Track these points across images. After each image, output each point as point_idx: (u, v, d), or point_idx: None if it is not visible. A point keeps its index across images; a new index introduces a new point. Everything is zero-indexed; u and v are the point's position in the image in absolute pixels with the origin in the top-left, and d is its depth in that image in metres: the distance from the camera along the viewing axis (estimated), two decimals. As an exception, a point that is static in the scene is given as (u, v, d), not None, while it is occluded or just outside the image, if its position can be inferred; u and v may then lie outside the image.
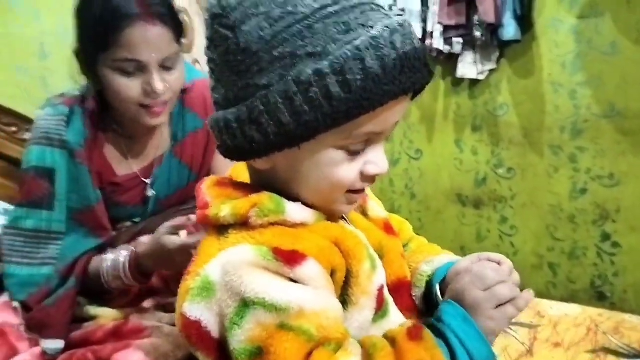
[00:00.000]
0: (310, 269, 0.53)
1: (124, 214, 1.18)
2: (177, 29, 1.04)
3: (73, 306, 1.04)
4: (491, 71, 2.12)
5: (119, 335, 0.98)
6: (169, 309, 1.06)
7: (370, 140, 0.57)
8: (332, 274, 0.56)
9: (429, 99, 2.32)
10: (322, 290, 0.54)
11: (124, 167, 1.16)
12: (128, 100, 1.03)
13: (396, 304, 0.64)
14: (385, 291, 0.61)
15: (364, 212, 0.70)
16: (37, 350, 0.97)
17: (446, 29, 2.05)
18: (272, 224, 0.56)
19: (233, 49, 0.54)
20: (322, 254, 0.55)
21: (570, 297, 2.05)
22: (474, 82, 2.19)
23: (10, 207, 1.50)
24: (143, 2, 0.98)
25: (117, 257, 1.06)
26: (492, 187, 2.25)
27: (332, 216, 0.62)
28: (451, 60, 2.15)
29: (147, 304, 1.10)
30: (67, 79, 1.89)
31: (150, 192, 1.18)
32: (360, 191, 0.60)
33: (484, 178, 2.26)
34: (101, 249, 1.11)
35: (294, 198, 0.59)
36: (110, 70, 1.01)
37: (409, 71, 0.53)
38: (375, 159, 0.58)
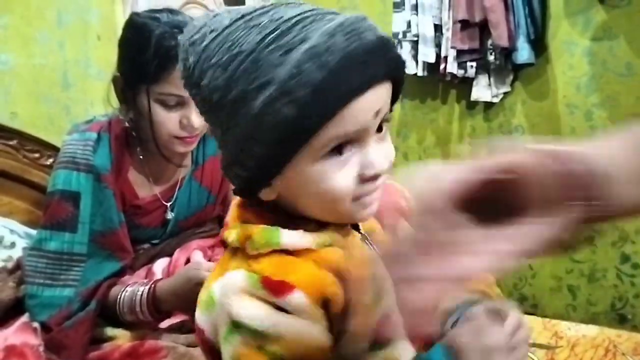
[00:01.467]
0: (296, 300, 0.55)
1: (143, 236, 1.22)
2: None
3: (92, 329, 1.06)
4: (505, 94, 2.13)
5: (136, 355, 0.99)
6: (184, 330, 1.07)
7: (354, 142, 0.56)
8: (326, 303, 0.56)
9: (443, 122, 2.33)
10: (305, 320, 0.55)
11: (146, 190, 1.20)
12: (164, 131, 1.09)
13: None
14: (393, 320, 0.57)
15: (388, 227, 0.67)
16: None
17: (460, 53, 2.07)
18: (274, 250, 0.57)
19: (201, 104, 0.59)
20: (313, 285, 0.56)
21: (591, 320, 2.00)
22: (488, 105, 2.20)
23: (32, 231, 1.54)
24: None
25: (135, 292, 1.08)
26: (509, 210, 2.24)
27: (347, 233, 0.62)
28: (465, 83, 2.17)
29: (163, 324, 1.11)
30: (89, 107, 1.96)
31: (170, 215, 1.22)
32: (369, 194, 0.58)
33: (501, 201, 2.25)
34: (122, 272, 1.14)
35: (309, 217, 0.60)
36: (152, 101, 1.07)
37: (358, 67, 0.53)
38: (370, 159, 0.56)
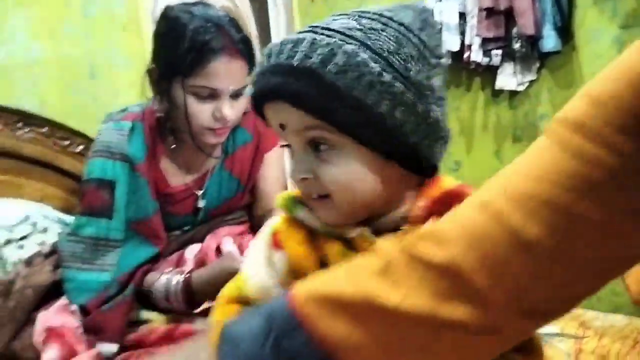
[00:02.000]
0: (279, 258, 0.65)
1: (174, 223, 1.25)
2: (252, 62, 1.13)
3: (129, 312, 1.09)
4: (531, 82, 2.10)
5: (171, 338, 1.01)
6: None
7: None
8: (302, 275, 0.63)
9: (467, 110, 2.32)
10: (275, 274, 0.66)
11: (177, 179, 1.24)
12: (197, 123, 1.12)
13: None
14: None
15: None
16: (93, 351, 1.02)
17: (485, 41, 2.05)
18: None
19: None
20: (296, 260, 0.64)
21: (615, 310, 1.99)
22: (513, 93, 2.18)
23: (65, 217, 1.58)
24: (229, 39, 1.08)
25: (170, 281, 1.11)
26: (533, 199, 2.22)
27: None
28: (490, 71, 2.15)
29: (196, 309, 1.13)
30: (115, 97, 1.99)
31: (201, 203, 1.25)
32: (312, 196, 0.63)
33: (524, 190, 2.23)
34: (156, 259, 1.17)
35: None
36: (185, 93, 1.10)
37: (259, 79, 0.62)
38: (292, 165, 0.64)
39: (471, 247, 0.48)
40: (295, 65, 0.58)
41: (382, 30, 0.59)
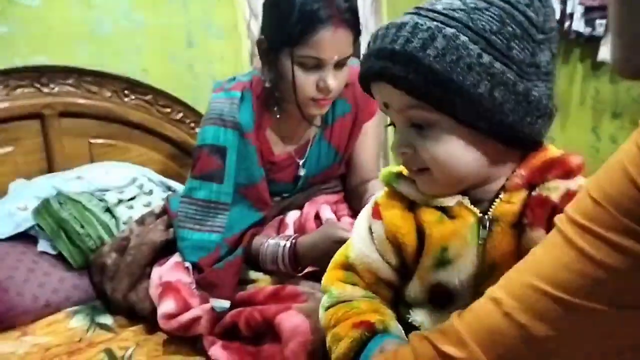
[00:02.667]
0: (376, 227, 0.72)
1: (276, 190, 1.31)
2: (357, 33, 1.15)
3: (239, 272, 1.16)
4: (637, 54, 1.98)
5: (278, 298, 1.07)
6: (319, 278, 1.13)
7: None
8: (399, 246, 0.70)
9: (563, 84, 2.22)
10: (372, 241, 0.73)
11: (280, 148, 1.30)
12: (302, 92, 1.15)
13: None
14: (455, 290, 0.66)
15: (520, 231, 0.65)
16: (207, 306, 1.09)
17: (588, 10, 1.94)
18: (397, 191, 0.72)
19: None
20: (392, 226, 0.70)
21: None
22: (616, 66, 2.06)
23: (167, 181, 1.67)
24: (336, 8, 1.09)
25: (278, 244, 1.16)
26: (631, 179, 2.11)
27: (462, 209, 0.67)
28: (591, 42, 2.04)
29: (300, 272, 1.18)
30: (210, 66, 2.05)
31: (302, 172, 1.31)
32: (410, 168, 0.68)
33: (622, 168, 2.13)
34: (262, 223, 1.24)
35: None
36: (293, 63, 1.12)
37: (365, 61, 0.66)
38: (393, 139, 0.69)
39: (487, 346, 0.53)
40: (396, 49, 0.61)
41: (486, 10, 0.60)
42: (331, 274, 0.76)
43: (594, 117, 2.19)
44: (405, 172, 0.72)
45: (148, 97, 1.82)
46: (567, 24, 2.02)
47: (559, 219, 0.52)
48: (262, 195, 1.24)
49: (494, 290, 0.55)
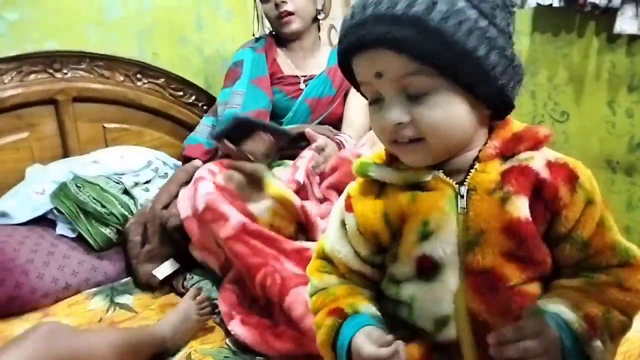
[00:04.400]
0: (349, 220, 0.74)
1: (282, 103, 1.66)
2: None
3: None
4: (654, 25, 1.93)
5: (300, 257, 1.18)
6: None
7: (375, 92, 0.66)
8: (374, 235, 0.71)
9: (578, 57, 2.17)
10: (345, 234, 0.75)
11: (289, 71, 1.71)
12: (269, 19, 1.64)
13: (473, 289, 0.66)
14: (441, 260, 0.67)
15: (503, 199, 0.65)
16: (240, 214, 1.23)
17: (604, -20, 1.90)
18: (370, 179, 0.72)
19: None
20: (364, 221, 0.72)
21: None
22: (633, 38, 2.01)
23: (179, 163, 1.68)
24: None
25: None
26: (648, 153, 2.08)
27: (439, 181, 0.68)
28: (607, 14, 1.99)
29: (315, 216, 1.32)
30: (220, 48, 2.04)
31: (303, 86, 1.68)
32: (396, 140, 0.66)
33: (639, 143, 2.09)
34: (269, 107, 1.63)
35: None
36: (261, 1, 1.63)
37: (355, 30, 0.63)
38: (383, 112, 0.65)
39: None
40: (400, 13, 0.60)
41: None
42: (312, 264, 0.80)
43: (609, 90, 2.14)
44: (377, 159, 0.73)
45: (160, 81, 1.83)
46: (582, -5, 1.97)
47: None
48: (268, 84, 1.64)
49: None
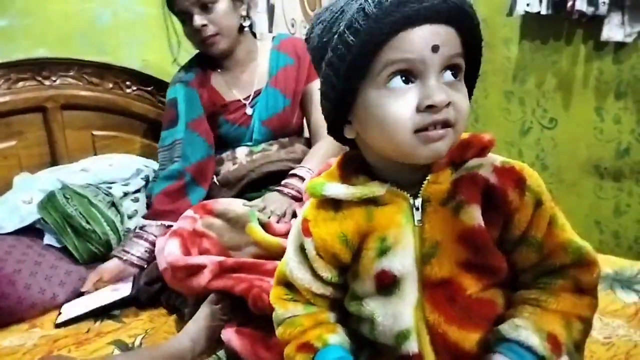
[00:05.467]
0: (308, 245, 0.72)
1: (234, 134, 1.56)
2: None
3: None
4: (640, 33, 1.96)
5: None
6: None
7: (416, 75, 0.62)
8: (334, 256, 0.71)
9: (567, 64, 2.20)
10: (305, 258, 0.74)
11: (230, 96, 1.57)
12: (192, 41, 1.50)
13: (431, 301, 0.67)
14: (399, 273, 0.67)
15: (455, 209, 0.66)
16: (214, 258, 1.17)
17: (591, -12, 1.92)
18: (326, 199, 0.71)
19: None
20: (323, 244, 0.71)
21: None
22: (619, 46, 2.03)
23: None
24: None
25: None
26: (636, 158, 2.10)
27: (395, 195, 0.68)
28: (594, 22, 2.01)
29: None
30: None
31: (249, 111, 1.55)
32: (432, 128, 0.62)
33: (626, 148, 2.11)
34: (211, 155, 1.54)
35: (380, 163, 0.69)
36: (181, 24, 1.49)
37: (405, 5, 0.60)
38: (428, 91, 0.61)
39: None
40: None
41: None
42: (275, 291, 0.79)
43: (597, 97, 2.17)
44: (330, 177, 0.72)
45: (150, 88, 1.82)
46: (570, 3, 1.99)
47: None
48: (207, 127, 1.53)
49: None
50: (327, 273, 0.73)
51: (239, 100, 1.56)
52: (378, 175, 0.70)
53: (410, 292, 0.67)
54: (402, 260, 0.67)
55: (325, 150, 1.47)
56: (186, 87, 1.54)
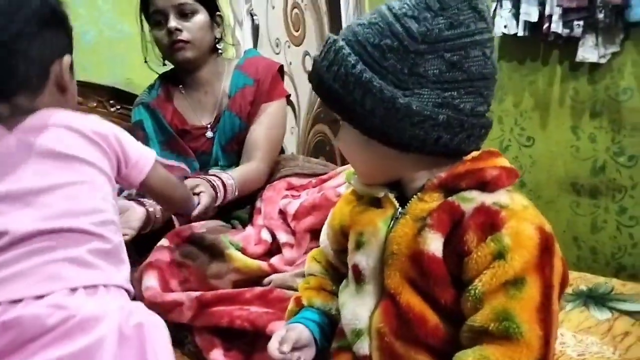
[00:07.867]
0: (330, 214, 0.86)
1: (200, 162, 1.49)
2: None
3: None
4: (614, 54, 2.02)
5: (266, 301, 1.09)
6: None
7: None
8: (334, 233, 0.84)
9: (543, 84, 2.26)
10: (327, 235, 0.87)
11: (194, 120, 1.53)
12: (162, 47, 1.46)
13: (382, 310, 0.71)
14: (364, 272, 0.73)
15: (420, 229, 0.67)
16: (192, 294, 1.13)
17: (566, 11, 1.98)
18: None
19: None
20: (332, 218, 0.85)
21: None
22: (594, 67, 2.10)
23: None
24: None
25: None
26: (611, 176, 2.16)
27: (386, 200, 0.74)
28: (570, 43, 2.07)
29: (285, 267, 1.21)
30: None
31: (209, 134, 1.50)
32: None
33: (602, 166, 2.17)
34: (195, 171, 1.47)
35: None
36: (151, 28, 1.46)
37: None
38: None
39: None
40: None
41: (374, 24, 0.66)
42: (313, 251, 0.93)
43: (573, 116, 2.22)
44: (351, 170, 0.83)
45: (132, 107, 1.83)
46: (546, 25, 2.05)
47: None
48: (182, 145, 1.48)
49: None
50: (333, 244, 0.86)
51: (202, 126, 1.51)
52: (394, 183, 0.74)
53: (370, 296, 0.72)
54: (368, 259, 0.72)
55: (256, 172, 1.44)
56: (147, 109, 1.51)
